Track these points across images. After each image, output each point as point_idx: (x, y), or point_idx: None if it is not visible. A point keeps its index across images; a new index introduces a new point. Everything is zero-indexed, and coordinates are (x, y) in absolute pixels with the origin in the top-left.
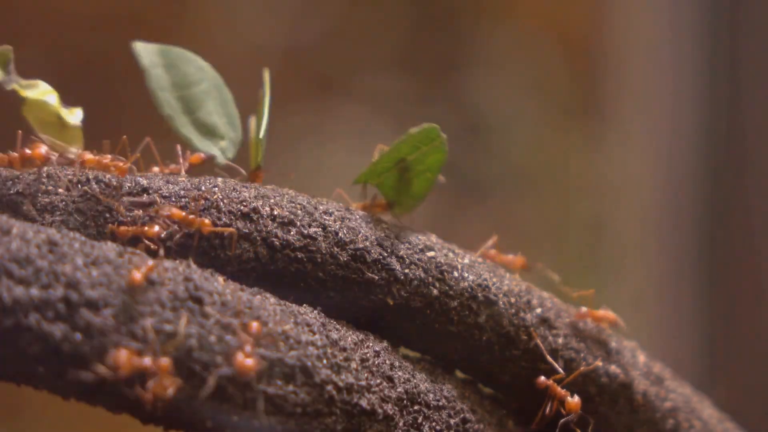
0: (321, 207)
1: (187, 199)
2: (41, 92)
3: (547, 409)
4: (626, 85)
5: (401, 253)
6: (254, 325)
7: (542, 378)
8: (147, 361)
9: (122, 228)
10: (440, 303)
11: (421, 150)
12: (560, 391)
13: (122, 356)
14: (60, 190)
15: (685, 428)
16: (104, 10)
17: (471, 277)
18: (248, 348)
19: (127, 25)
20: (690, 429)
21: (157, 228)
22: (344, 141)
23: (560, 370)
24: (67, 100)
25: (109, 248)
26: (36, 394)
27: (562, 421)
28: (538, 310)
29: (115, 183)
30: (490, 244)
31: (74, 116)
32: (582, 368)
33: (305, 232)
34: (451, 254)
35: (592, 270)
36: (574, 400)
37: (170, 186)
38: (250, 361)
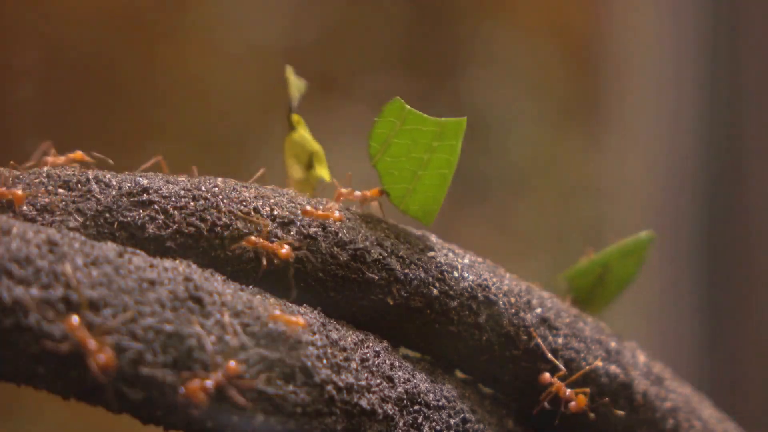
0: (321, 207)
1: (187, 199)
2: (308, 131)
3: (546, 404)
4: (626, 85)
5: (401, 253)
6: (232, 364)
7: (547, 375)
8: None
9: (251, 239)
10: (440, 303)
11: (626, 260)
12: (566, 391)
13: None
14: (60, 190)
15: (685, 428)
16: (104, 9)
17: (471, 277)
18: (208, 382)
19: (127, 25)
20: (690, 429)
21: (285, 249)
22: (344, 141)
23: (562, 367)
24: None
25: (109, 248)
26: (36, 394)
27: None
28: (538, 310)
29: (114, 183)
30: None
31: (324, 172)
32: (585, 369)
33: (305, 232)
34: (451, 254)
35: None
36: (577, 403)
37: (170, 186)
38: (202, 394)
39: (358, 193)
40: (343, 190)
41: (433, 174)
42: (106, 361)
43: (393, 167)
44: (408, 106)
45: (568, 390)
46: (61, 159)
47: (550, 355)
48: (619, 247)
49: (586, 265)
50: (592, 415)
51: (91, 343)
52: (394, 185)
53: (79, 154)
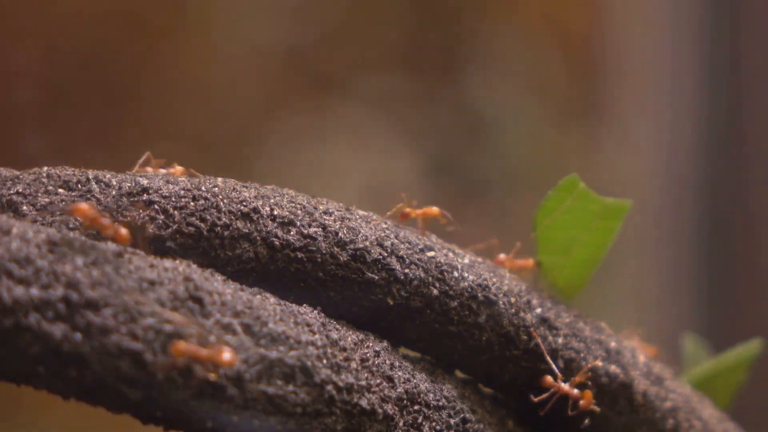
0: (321, 207)
1: (187, 199)
2: None
3: (549, 406)
4: (626, 86)
5: (401, 253)
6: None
7: (549, 377)
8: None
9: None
10: (440, 303)
11: (736, 371)
12: (570, 390)
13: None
14: (60, 190)
15: (685, 428)
16: (104, 9)
17: (471, 277)
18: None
19: (127, 25)
20: (690, 429)
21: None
22: (344, 140)
23: (557, 371)
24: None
25: (109, 248)
26: (36, 394)
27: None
28: (538, 310)
29: (114, 183)
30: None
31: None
32: (585, 368)
33: (305, 232)
34: (451, 254)
35: None
36: (585, 395)
37: (170, 186)
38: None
39: (517, 261)
40: (502, 257)
41: (586, 252)
42: (231, 358)
43: (552, 240)
44: (582, 184)
45: (575, 390)
46: None
47: (549, 358)
48: (729, 362)
49: (700, 375)
50: (597, 408)
51: (204, 351)
52: (548, 257)
53: None
